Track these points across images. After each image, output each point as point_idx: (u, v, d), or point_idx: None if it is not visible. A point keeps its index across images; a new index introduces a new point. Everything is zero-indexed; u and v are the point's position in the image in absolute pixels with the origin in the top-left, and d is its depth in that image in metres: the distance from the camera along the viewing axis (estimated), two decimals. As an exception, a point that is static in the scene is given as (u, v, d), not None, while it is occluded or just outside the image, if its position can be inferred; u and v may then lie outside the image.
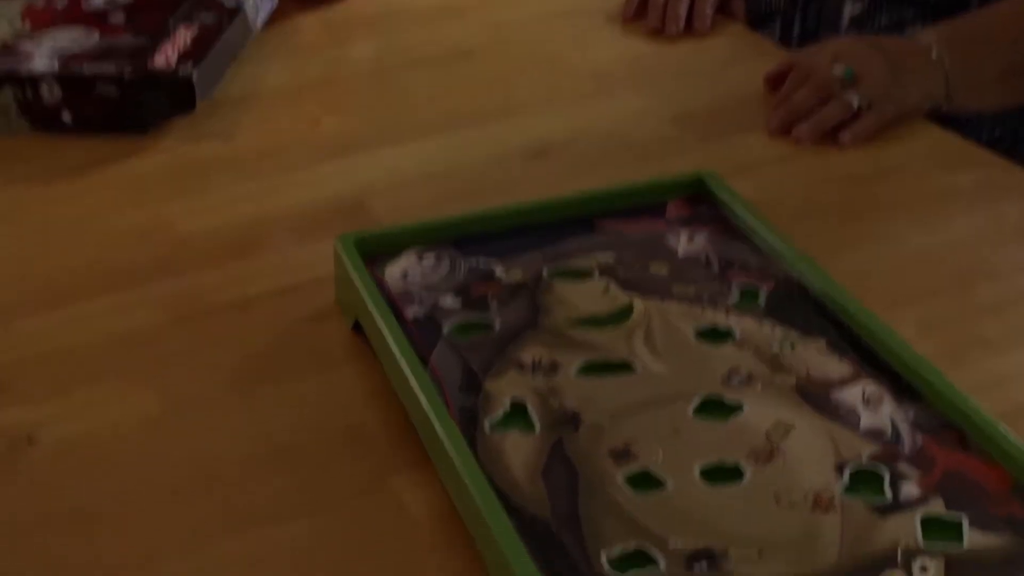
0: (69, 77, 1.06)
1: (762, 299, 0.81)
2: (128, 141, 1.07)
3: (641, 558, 0.62)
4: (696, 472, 0.67)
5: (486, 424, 0.71)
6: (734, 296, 0.81)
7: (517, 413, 0.72)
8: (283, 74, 1.20)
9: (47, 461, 0.73)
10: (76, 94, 1.06)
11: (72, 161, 1.05)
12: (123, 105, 1.06)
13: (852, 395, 0.72)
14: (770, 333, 0.78)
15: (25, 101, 1.07)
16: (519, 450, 0.69)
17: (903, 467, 0.67)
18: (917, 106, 1.09)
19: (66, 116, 1.07)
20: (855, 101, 1.06)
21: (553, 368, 0.75)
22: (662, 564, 0.62)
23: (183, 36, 1.11)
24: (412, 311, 0.79)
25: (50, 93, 1.06)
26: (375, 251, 0.84)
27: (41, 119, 1.08)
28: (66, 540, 0.68)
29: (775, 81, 1.15)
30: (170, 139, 1.08)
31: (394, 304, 0.79)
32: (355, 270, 0.81)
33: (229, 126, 1.10)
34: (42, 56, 1.09)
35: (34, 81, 1.06)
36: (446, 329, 0.78)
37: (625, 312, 0.80)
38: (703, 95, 1.16)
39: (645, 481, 0.67)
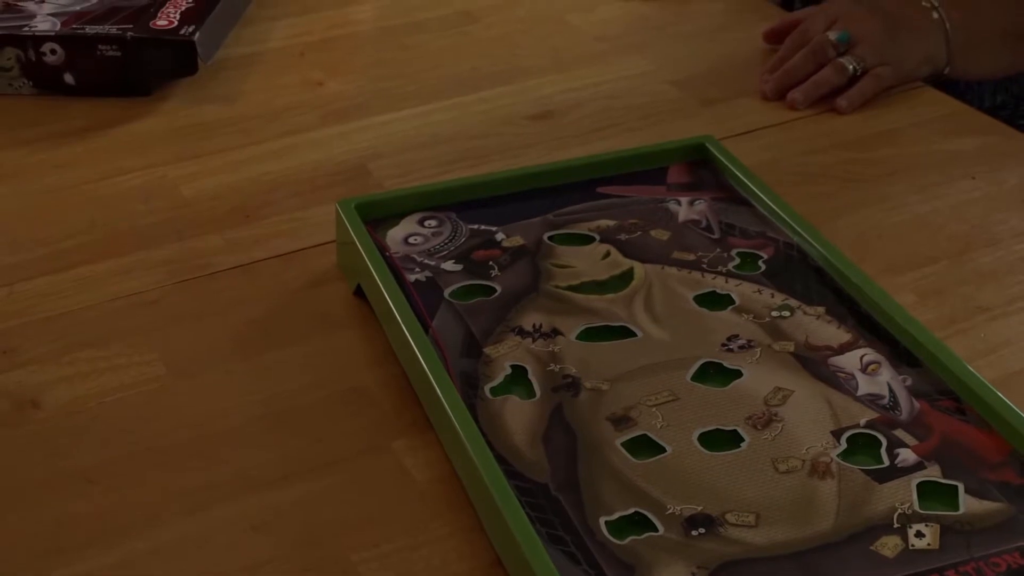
0: (71, 37, 1.06)
1: (762, 265, 0.81)
2: (131, 103, 1.07)
3: (639, 523, 0.63)
4: (695, 438, 0.68)
5: (486, 389, 0.71)
6: (734, 262, 0.81)
7: (517, 378, 0.72)
8: (286, 36, 1.20)
9: (52, 424, 0.74)
10: (78, 55, 1.06)
11: (75, 123, 1.05)
12: (126, 67, 1.06)
13: (850, 361, 0.73)
14: (769, 299, 0.78)
15: (27, 62, 1.07)
16: (519, 415, 0.69)
17: (900, 433, 0.68)
18: (916, 69, 1.09)
19: (69, 77, 1.07)
20: (850, 66, 1.06)
21: (553, 333, 0.75)
22: (660, 529, 0.62)
23: (186, -3, 1.12)
24: (414, 275, 0.80)
25: (52, 54, 1.06)
26: (377, 215, 0.84)
27: (44, 80, 1.08)
28: (71, 502, 0.68)
29: (774, 37, 1.15)
30: (173, 101, 1.08)
31: (396, 268, 0.80)
32: (357, 234, 0.81)
33: (232, 89, 1.10)
34: (44, 16, 1.09)
35: (36, 42, 1.06)
36: (447, 293, 0.78)
37: (626, 277, 0.80)
38: (705, 58, 1.16)
39: (644, 446, 0.67)
